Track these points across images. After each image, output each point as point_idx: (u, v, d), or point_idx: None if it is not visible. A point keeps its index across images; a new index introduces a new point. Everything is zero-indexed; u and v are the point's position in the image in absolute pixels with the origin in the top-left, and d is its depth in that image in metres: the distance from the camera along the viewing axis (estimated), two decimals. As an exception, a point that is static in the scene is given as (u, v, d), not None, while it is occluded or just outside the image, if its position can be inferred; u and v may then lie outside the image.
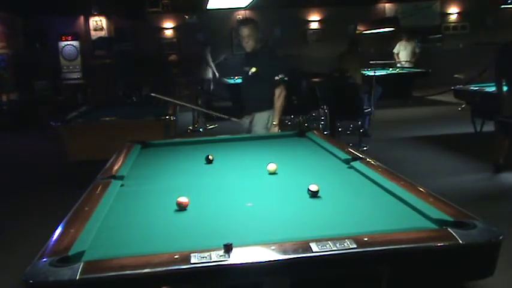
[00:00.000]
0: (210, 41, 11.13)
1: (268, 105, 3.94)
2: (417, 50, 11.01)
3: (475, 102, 6.43)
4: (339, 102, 6.49)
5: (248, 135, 3.86)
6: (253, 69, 3.91)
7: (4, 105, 9.87)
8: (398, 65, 10.99)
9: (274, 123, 3.95)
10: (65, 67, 11.11)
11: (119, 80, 11.26)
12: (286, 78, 3.98)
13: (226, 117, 4.35)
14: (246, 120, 4.11)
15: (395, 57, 11.02)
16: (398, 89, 10.40)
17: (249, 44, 3.88)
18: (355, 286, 1.47)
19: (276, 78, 3.89)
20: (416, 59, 10.94)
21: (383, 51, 11.79)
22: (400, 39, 11.07)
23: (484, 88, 6.26)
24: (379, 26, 10.82)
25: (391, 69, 10.90)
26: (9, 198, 5.06)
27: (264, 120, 3.97)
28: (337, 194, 2.08)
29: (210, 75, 10.45)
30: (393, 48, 11.16)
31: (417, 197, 1.84)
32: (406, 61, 10.84)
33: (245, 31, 3.85)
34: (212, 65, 10.48)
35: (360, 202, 1.97)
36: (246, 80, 4.03)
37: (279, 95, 3.91)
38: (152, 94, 4.39)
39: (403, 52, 10.93)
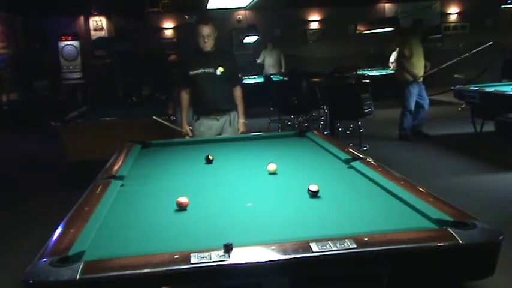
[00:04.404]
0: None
1: (234, 104, 3.98)
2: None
3: (475, 102, 6.43)
4: (339, 102, 6.49)
5: (247, 135, 3.85)
6: (221, 69, 3.79)
7: (4, 105, 9.87)
8: (392, 67, 11.00)
9: (244, 121, 3.98)
10: (65, 67, 11.09)
11: (119, 80, 11.25)
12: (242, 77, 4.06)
13: (178, 129, 4.04)
14: (212, 122, 3.92)
15: (391, 65, 11.02)
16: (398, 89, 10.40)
17: (208, 44, 3.72)
18: (355, 286, 1.47)
19: (239, 76, 4.02)
20: None
21: (383, 51, 11.78)
22: (391, 41, 11.08)
23: (484, 88, 6.26)
24: (379, 26, 10.81)
25: (390, 69, 10.90)
26: (9, 198, 5.06)
27: (237, 119, 3.98)
28: (337, 194, 2.08)
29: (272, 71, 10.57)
30: (388, 55, 11.17)
31: (417, 197, 1.84)
32: None
33: (206, 30, 3.69)
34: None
35: (359, 202, 1.97)
36: (212, 80, 3.80)
37: (241, 94, 3.98)
38: (154, 117, 4.22)
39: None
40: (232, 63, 4.00)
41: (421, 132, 6.88)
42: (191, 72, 3.83)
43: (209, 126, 3.92)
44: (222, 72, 3.80)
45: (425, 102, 6.78)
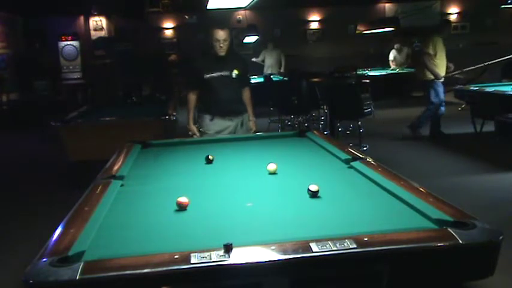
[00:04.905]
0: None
1: (245, 105, 4.08)
2: (409, 53, 10.94)
3: (475, 102, 6.43)
4: (339, 102, 6.49)
5: (247, 135, 3.86)
6: (236, 72, 3.86)
7: (4, 105, 9.87)
8: (392, 67, 10.96)
9: (255, 120, 4.09)
10: (65, 67, 11.10)
11: (119, 80, 11.26)
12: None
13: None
14: (226, 123, 3.95)
15: (391, 64, 11.01)
16: (398, 88, 10.41)
17: (223, 49, 3.75)
18: (355, 286, 1.47)
19: (249, 77, 4.21)
20: (409, 60, 10.84)
21: (383, 51, 11.78)
22: (391, 41, 11.06)
23: (484, 88, 6.26)
24: (379, 26, 10.81)
25: (391, 68, 10.90)
26: (9, 198, 5.06)
27: (247, 120, 4.07)
28: (337, 194, 2.08)
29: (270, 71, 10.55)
30: (388, 55, 11.14)
31: (417, 197, 1.84)
32: (400, 66, 10.81)
33: (222, 35, 3.72)
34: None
35: (359, 202, 1.97)
36: (228, 83, 3.86)
37: (250, 94, 4.09)
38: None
39: (398, 58, 10.91)
40: (244, 65, 4.09)
41: (442, 133, 6.82)
42: (207, 76, 3.86)
43: (223, 126, 3.97)
44: (237, 75, 3.88)
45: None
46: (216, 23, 3.92)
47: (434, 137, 6.82)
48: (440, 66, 6.56)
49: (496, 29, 13.22)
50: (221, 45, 3.74)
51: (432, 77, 6.55)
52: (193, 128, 4.01)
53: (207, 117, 3.99)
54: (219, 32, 3.72)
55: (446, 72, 6.70)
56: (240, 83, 3.97)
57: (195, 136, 3.95)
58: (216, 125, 3.96)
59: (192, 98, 4.03)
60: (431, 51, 6.51)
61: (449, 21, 7.70)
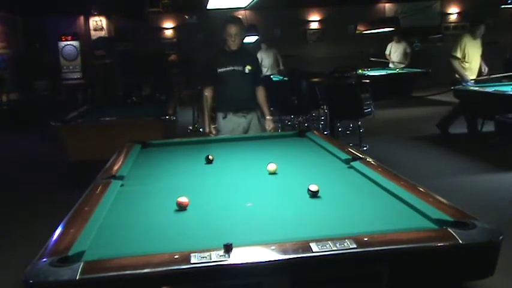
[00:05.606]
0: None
1: (257, 103, 4.09)
2: (408, 51, 10.84)
3: (474, 102, 6.42)
4: (339, 102, 6.49)
5: (247, 135, 3.86)
6: (249, 68, 3.90)
7: (4, 105, 9.87)
8: (391, 65, 10.91)
9: (272, 118, 4.11)
10: (65, 67, 11.10)
11: (119, 80, 11.26)
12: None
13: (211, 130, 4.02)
14: (239, 119, 3.96)
15: (388, 58, 10.99)
16: (398, 88, 10.40)
17: (235, 43, 3.85)
18: (355, 286, 1.47)
19: (261, 75, 4.22)
20: (409, 60, 10.74)
21: (383, 51, 11.78)
22: (391, 41, 11.02)
23: (484, 88, 6.26)
24: (379, 26, 10.80)
25: (390, 66, 10.89)
26: (9, 198, 5.06)
27: (257, 117, 4.06)
28: (337, 194, 2.08)
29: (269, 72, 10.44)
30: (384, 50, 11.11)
31: (417, 197, 1.84)
32: (398, 62, 10.77)
33: (234, 29, 3.81)
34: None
35: (359, 202, 1.97)
36: (241, 78, 3.89)
37: (264, 92, 4.12)
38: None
39: (394, 53, 10.85)
40: (256, 62, 4.15)
41: (448, 132, 6.80)
42: (220, 70, 3.89)
43: (237, 123, 3.97)
44: (249, 70, 3.91)
45: None
46: (229, 18, 3.98)
47: (441, 130, 6.78)
48: (470, 68, 6.43)
49: (496, 29, 13.21)
50: (233, 39, 3.82)
51: (460, 79, 6.47)
52: (209, 128, 3.96)
53: (220, 116, 4.00)
54: (232, 27, 3.81)
55: (480, 75, 6.52)
56: (254, 81, 3.99)
57: (211, 135, 3.93)
58: (230, 123, 3.96)
59: (209, 95, 4.02)
60: (457, 54, 6.40)
61: (481, 21, 6.85)
